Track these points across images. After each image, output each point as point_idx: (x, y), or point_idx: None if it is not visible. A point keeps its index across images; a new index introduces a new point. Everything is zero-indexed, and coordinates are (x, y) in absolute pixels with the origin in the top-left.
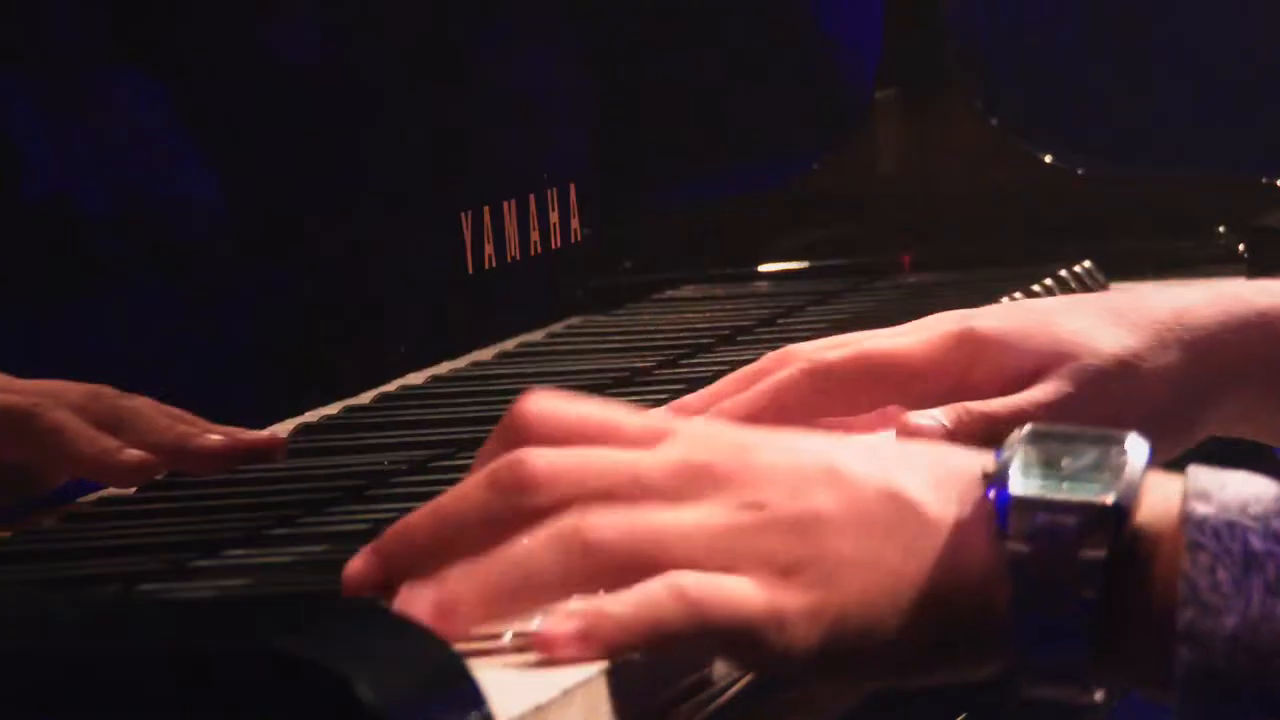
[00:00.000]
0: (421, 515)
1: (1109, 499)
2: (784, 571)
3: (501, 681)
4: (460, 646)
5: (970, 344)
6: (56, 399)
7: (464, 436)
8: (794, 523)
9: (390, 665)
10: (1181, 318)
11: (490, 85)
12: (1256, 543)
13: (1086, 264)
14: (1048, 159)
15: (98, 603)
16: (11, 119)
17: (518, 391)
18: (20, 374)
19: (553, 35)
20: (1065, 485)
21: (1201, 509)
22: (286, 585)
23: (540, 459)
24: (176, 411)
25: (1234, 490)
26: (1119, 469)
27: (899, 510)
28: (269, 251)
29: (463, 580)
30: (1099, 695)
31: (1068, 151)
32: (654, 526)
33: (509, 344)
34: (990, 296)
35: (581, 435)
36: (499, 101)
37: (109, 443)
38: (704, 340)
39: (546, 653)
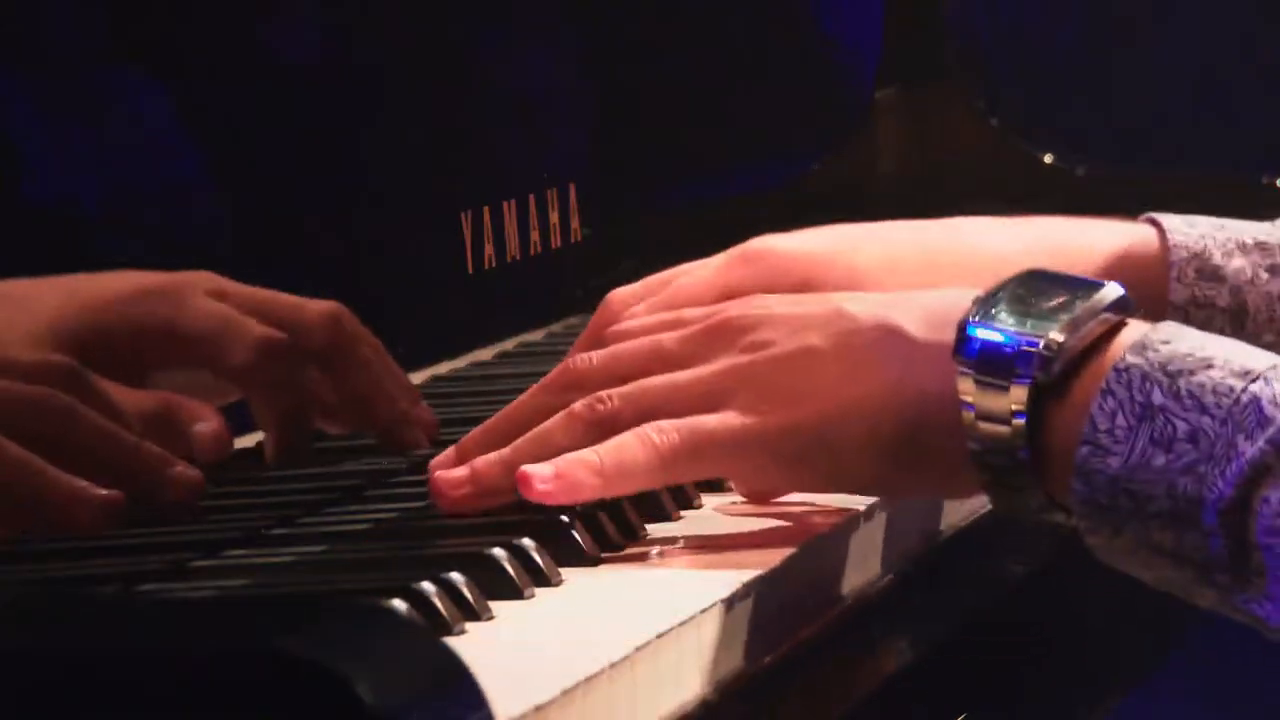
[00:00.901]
0: (494, 418)
1: (1048, 335)
2: (765, 398)
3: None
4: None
5: (761, 260)
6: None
7: (464, 436)
8: (789, 356)
9: (390, 665)
10: (998, 271)
11: (490, 85)
12: (1158, 397)
13: None
14: (1048, 159)
15: (98, 603)
16: (11, 119)
17: (518, 391)
18: None
19: (553, 35)
20: (1021, 321)
21: (1131, 358)
22: (286, 585)
23: (583, 360)
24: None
25: (1170, 349)
26: (1073, 310)
27: (889, 340)
28: (269, 251)
29: (493, 459)
30: (1055, 515)
31: (1068, 151)
32: (654, 387)
33: (509, 344)
34: None
35: (650, 309)
36: (499, 101)
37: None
38: None
39: (525, 491)
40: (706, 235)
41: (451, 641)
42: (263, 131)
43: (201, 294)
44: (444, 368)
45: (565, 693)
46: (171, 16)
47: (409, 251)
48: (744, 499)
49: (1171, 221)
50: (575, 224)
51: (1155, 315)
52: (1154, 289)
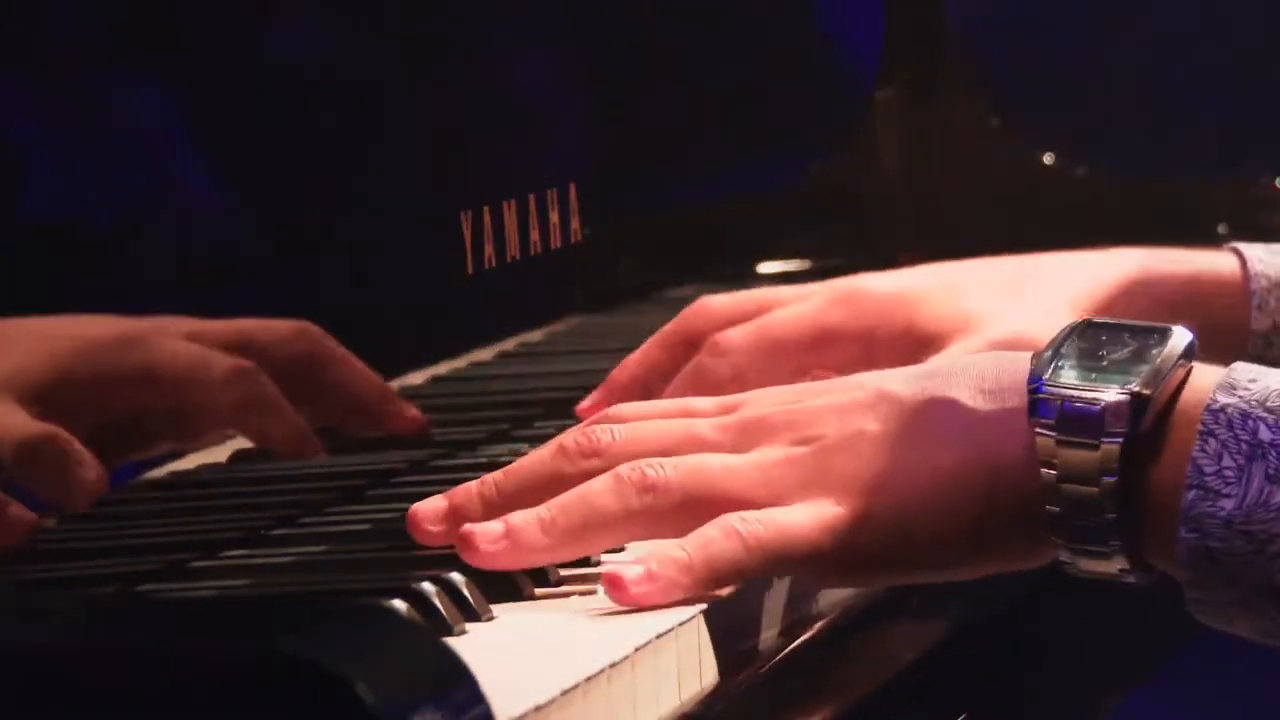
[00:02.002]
0: (494, 474)
1: (1132, 388)
2: (833, 490)
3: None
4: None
5: (858, 302)
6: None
7: (464, 437)
8: (845, 446)
9: (390, 665)
10: (1093, 295)
11: (490, 85)
12: (1265, 433)
13: None
14: (1048, 159)
15: (98, 603)
16: (12, 121)
17: (518, 391)
18: None
19: (552, 35)
20: (1098, 376)
21: (1223, 399)
22: (286, 585)
23: (605, 430)
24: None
25: (1262, 385)
26: (1152, 360)
27: (946, 415)
28: (269, 252)
29: (528, 517)
30: (1138, 577)
31: (1068, 151)
32: (709, 466)
33: (509, 344)
34: None
35: (659, 414)
36: (499, 101)
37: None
38: None
39: (614, 592)
40: (706, 235)
41: (451, 641)
42: (263, 132)
43: (173, 337)
44: (444, 368)
45: (565, 693)
46: (172, 17)
47: (409, 251)
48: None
49: (1253, 250)
50: (575, 224)
51: (1238, 344)
52: (1235, 317)
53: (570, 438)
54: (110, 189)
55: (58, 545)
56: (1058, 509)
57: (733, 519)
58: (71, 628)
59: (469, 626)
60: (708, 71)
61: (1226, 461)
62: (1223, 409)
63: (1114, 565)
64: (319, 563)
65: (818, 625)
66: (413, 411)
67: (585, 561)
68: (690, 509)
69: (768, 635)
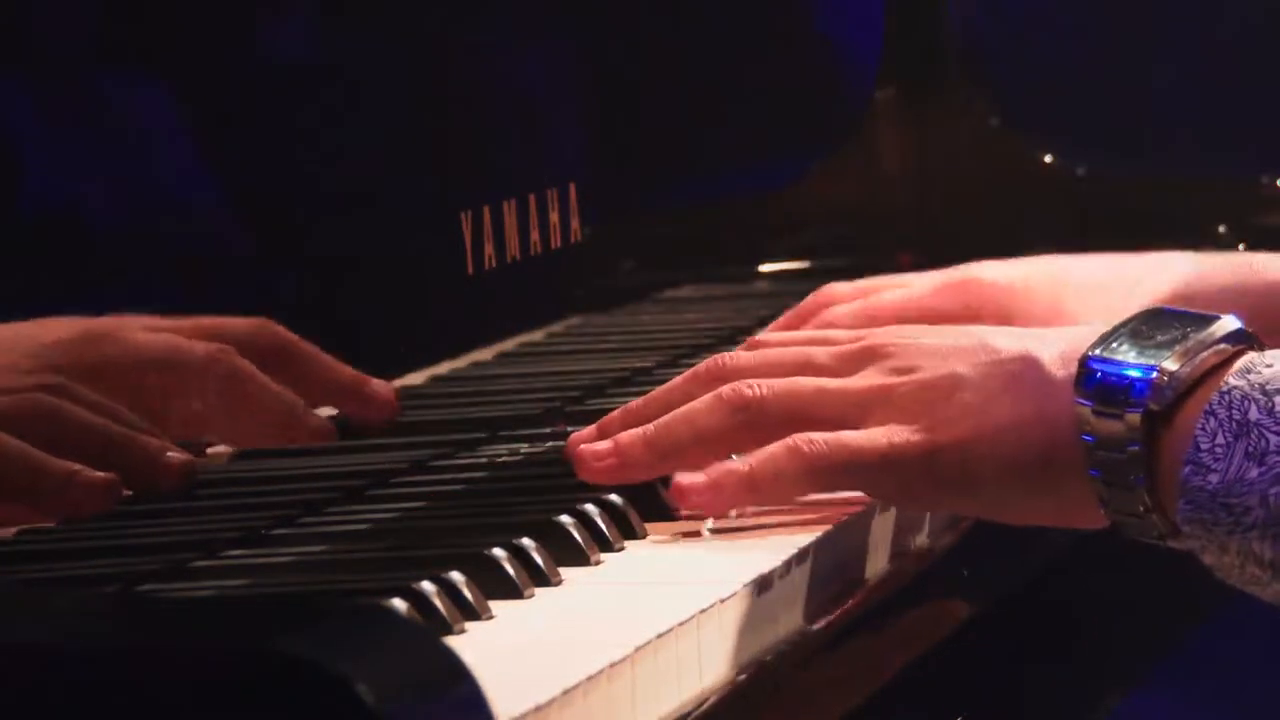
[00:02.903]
0: (637, 401)
1: (1163, 365)
2: (909, 420)
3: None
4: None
5: (968, 289)
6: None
7: (464, 436)
8: (934, 382)
9: (390, 665)
10: (1191, 286)
11: (490, 85)
12: (1254, 414)
13: None
14: (1048, 159)
15: (98, 603)
16: (11, 119)
17: (518, 392)
18: None
19: (552, 35)
20: (1142, 353)
21: (1234, 382)
22: (286, 585)
23: (731, 356)
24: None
25: (1273, 370)
26: (1188, 340)
27: (1028, 373)
28: (269, 251)
29: (634, 435)
30: (1173, 541)
31: (1068, 151)
32: (804, 386)
33: (509, 344)
34: None
35: (795, 341)
36: (499, 101)
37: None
38: (704, 340)
39: (680, 501)
40: (706, 235)
41: (451, 641)
42: (262, 131)
43: (139, 329)
44: (444, 368)
45: (565, 693)
46: (171, 17)
47: (409, 251)
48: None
49: None
50: (575, 224)
51: None
52: None
53: (704, 365)
54: (110, 187)
55: (58, 545)
56: (1097, 474)
57: (799, 438)
58: (71, 628)
59: (469, 626)
60: (708, 71)
61: (1219, 439)
62: (1230, 391)
63: (1150, 531)
64: (319, 563)
65: (818, 625)
66: (386, 393)
67: (585, 561)
68: (783, 426)
69: (768, 635)
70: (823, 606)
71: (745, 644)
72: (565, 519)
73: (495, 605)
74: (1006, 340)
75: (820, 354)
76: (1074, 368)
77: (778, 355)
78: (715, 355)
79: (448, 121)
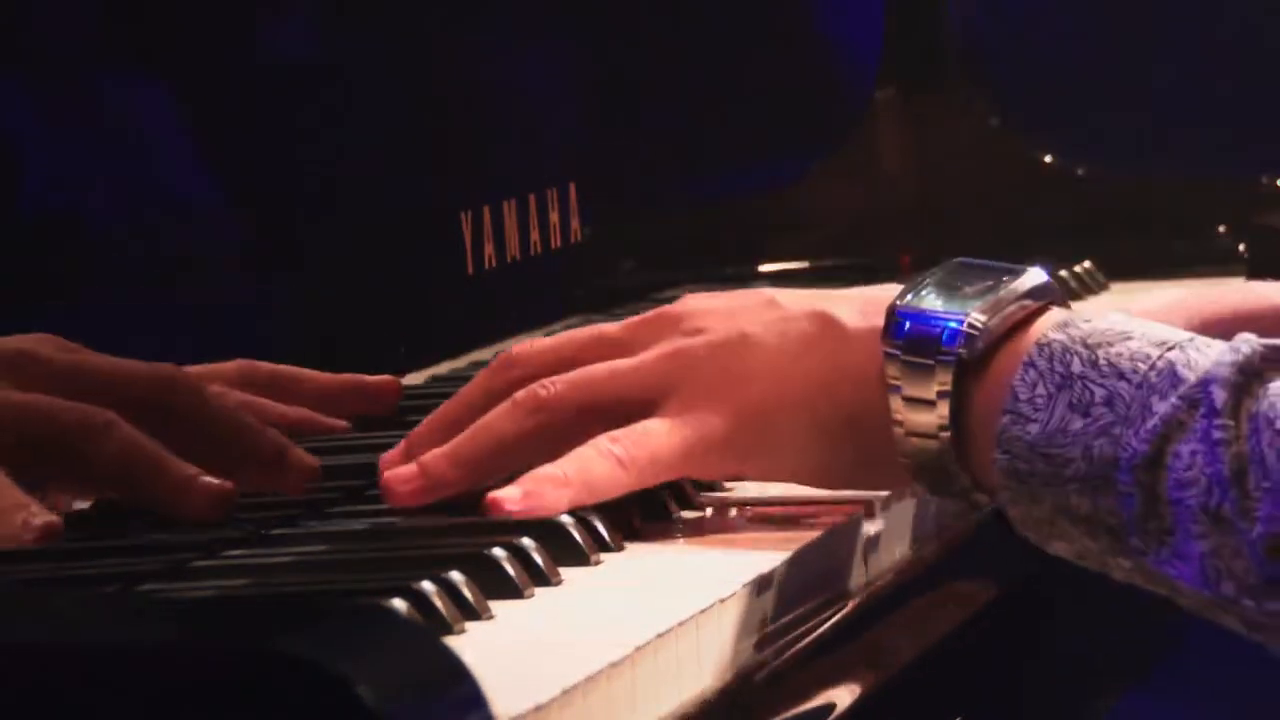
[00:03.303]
0: (439, 410)
1: (971, 315)
2: (708, 388)
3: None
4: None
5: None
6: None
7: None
8: (724, 342)
9: (390, 665)
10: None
11: (490, 85)
12: (1077, 366)
13: (1086, 264)
14: (1048, 159)
15: (98, 603)
16: (11, 120)
17: None
18: None
19: (553, 35)
20: (951, 304)
21: (1053, 335)
22: (286, 585)
23: (523, 346)
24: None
25: (1093, 325)
26: (997, 293)
27: (822, 328)
28: (268, 252)
29: (437, 454)
30: (979, 496)
31: (1068, 151)
32: (596, 373)
33: (509, 344)
34: None
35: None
36: (499, 101)
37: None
38: None
39: (495, 511)
40: (706, 235)
41: (451, 641)
42: (262, 131)
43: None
44: (444, 368)
45: (565, 692)
46: (171, 17)
47: (409, 251)
48: (745, 503)
49: None
50: (575, 224)
51: None
52: None
53: (497, 359)
54: (110, 187)
55: (58, 545)
56: (902, 430)
57: (604, 439)
58: (71, 628)
59: (469, 626)
60: (708, 71)
61: (1040, 390)
62: (1049, 344)
63: (955, 485)
64: (319, 563)
65: (817, 625)
66: (383, 381)
67: (585, 561)
68: (584, 419)
69: (768, 635)
70: (822, 606)
71: (745, 644)
72: (565, 519)
73: (495, 605)
74: (794, 298)
75: (611, 328)
76: (878, 320)
77: (569, 337)
78: (509, 349)
79: (448, 121)
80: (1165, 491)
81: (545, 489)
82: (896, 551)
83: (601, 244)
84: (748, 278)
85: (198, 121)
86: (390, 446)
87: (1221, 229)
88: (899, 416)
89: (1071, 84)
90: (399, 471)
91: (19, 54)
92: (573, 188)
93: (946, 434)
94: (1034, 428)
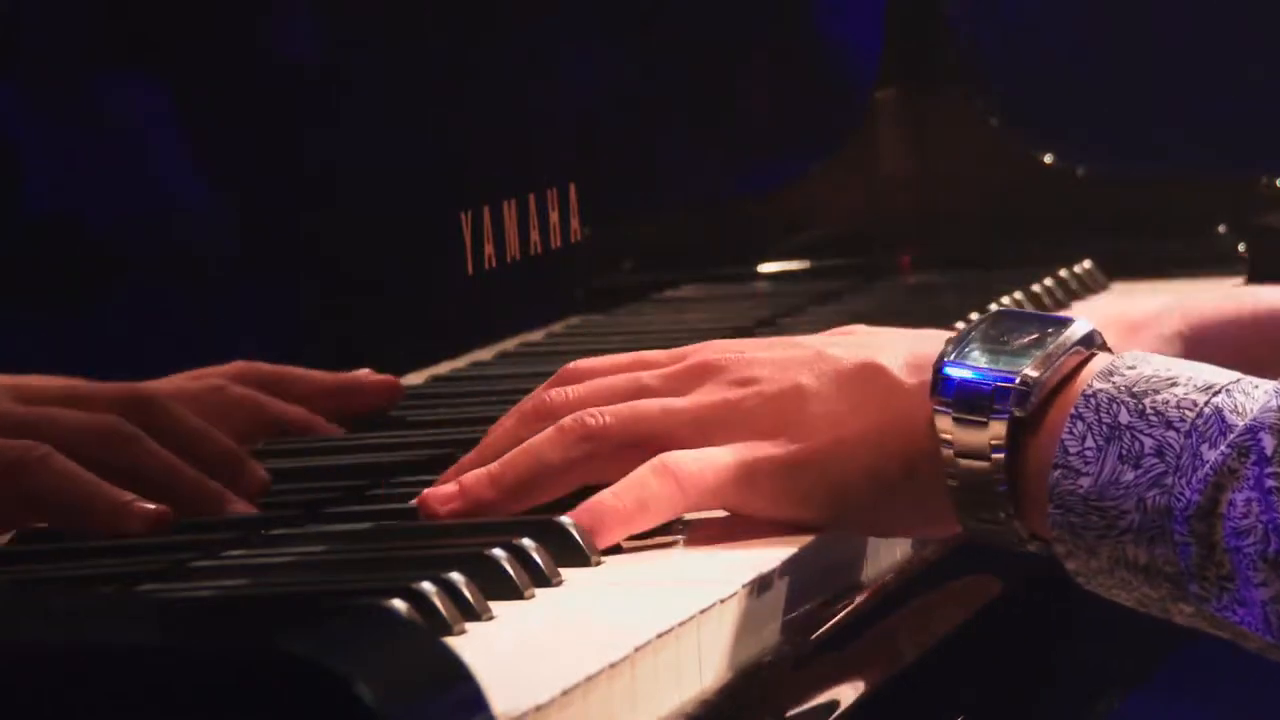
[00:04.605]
0: (470, 453)
1: (1022, 371)
2: (764, 434)
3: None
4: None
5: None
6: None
7: (464, 436)
8: (778, 395)
9: (390, 665)
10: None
11: (490, 85)
12: (1125, 416)
13: (1086, 264)
14: (1048, 159)
15: (98, 603)
16: (11, 122)
17: (518, 391)
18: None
19: (553, 35)
20: (997, 359)
21: (1098, 385)
22: (286, 585)
23: (559, 392)
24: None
25: (1136, 373)
26: (1046, 346)
27: (872, 380)
28: (269, 252)
29: (480, 475)
30: (1033, 546)
31: (1068, 151)
32: (649, 408)
33: (509, 344)
34: (989, 296)
35: (614, 368)
36: (499, 101)
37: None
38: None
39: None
40: (706, 235)
41: (451, 641)
42: (262, 132)
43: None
44: (444, 368)
45: (565, 693)
46: (171, 17)
47: (409, 251)
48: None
49: None
50: (575, 224)
51: None
52: None
53: (529, 403)
54: (110, 187)
55: (58, 545)
56: (956, 483)
57: (665, 458)
58: (71, 628)
59: (469, 626)
60: (708, 71)
61: (1089, 443)
62: (1095, 394)
63: (1009, 538)
64: (319, 563)
65: (817, 625)
66: (380, 378)
67: (585, 562)
68: (630, 452)
69: (768, 635)
70: (822, 607)
71: (745, 644)
72: (565, 519)
73: (495, 605)
74: (844, 349)
75: (649, 378)
76: (926, 375)
77: (608, 384)
78: (538, 392)
79: (448, 121)
80: (1222, 539)
81: (606, 512)
82: (898, 551)
83: (601, 244)
84: (748, 278)
85: (197, 121)
86: (390, 447)
87: (1221, 229)
88: (951, 469)
89: (1071, 84)
90: (439, 491)
91: (18, 54)
92: (573, 188)
93: (1002, 488)
94: (1086, 481)
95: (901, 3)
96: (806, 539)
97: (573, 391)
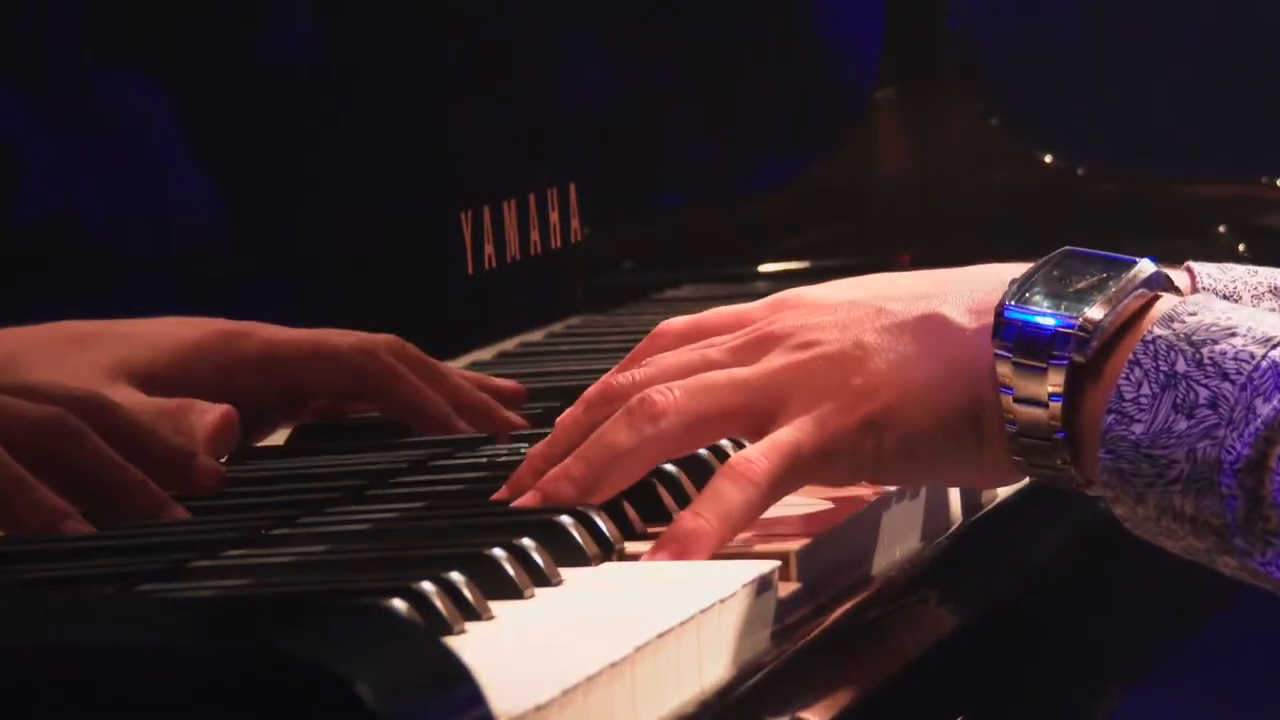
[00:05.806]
0: (538, 445)
1: (1085, 314)
2: (831, 394)
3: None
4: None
5: (782, 305)
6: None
7: (464, 436)
8: (842, 354)
9: (390, 665)
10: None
11: (490, 85)
12: (1182, 366)
13: None
14: (1048, 159)
15: (98, 603)
16: (11, 121)
17: None
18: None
19: (553, 35)
20: (1060, 302)
21: (1158, 330)
22: (286, 585)
23: (625, 375)
24: None
25: (1196, 320)
26: (1107, 289)
27: (937, 330)
28: (269, 252)
29: (555, 474)
30: (1094, 491)
31: (1068, 151)
32: (711, 381)
33: (509, 344)
34: None
35: (699, 332)
36: (499, 101)
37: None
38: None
39: (673, 556)
40: (706, 235)
41: (451, 641)
42: (262, 132)
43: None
44: None
45: (565, 693)
46: (170, 17)
47: (409, 251)
48: None
49: (1204, 268)
50: (575, 224)
51: None
52: None
53: (595, 390)
54: (110, 188)
55: (58, 545)
56: (1014, 427)
57: (733, 462)
58: (72, 628)
59: (469, 626)
60: (707, 71)
61: (1145, 390)
62: (1154, 340)
63: (1068, 482)
64: (319, 563)
65: (817, 624)
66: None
67: (585, 561)
68: (702, 426)
69: (768, 636)
70: (823, 606)
71: (745, 644)
72: (565, 519)
73: (495, 605)
74: (902, 303)
75: (716, 352)
76: (988, 319)
77: (673, 363)
78: (604, 378)
79: (448, 121)
80: (1270, 494)
81: (692, 542)
82: (898, 551)
83: (601, 244)
84: (748, 278)
85: (197, 121)
86: (391, 447)
87: (1221, 229)
88: (1011, 416)
89: (1072, 84)
90: (519, 502)
91: (18, 54)
92: (573, 188)
93: (1060, 435)
94: (1138, 428)
95: (901, 3)
96: (806, 539)
97: (639, 374)
